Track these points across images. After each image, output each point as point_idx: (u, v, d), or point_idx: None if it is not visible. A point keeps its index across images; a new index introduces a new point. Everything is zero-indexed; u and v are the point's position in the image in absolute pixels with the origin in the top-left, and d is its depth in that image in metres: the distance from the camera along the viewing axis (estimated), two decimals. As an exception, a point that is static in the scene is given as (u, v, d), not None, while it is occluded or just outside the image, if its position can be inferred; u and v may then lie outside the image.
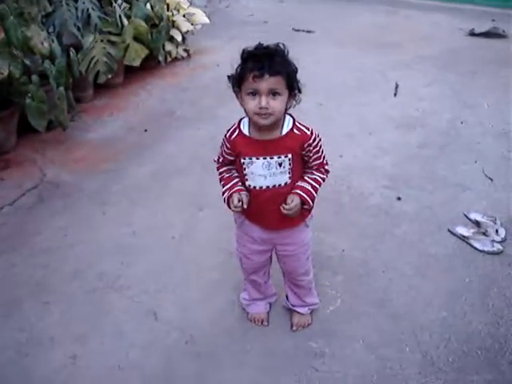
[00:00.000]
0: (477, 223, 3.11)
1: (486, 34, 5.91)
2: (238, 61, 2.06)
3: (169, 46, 5.02)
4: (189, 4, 5.25)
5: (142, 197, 3.43)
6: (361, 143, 3.94)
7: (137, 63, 4.56)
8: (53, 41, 3.80)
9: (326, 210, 3.27)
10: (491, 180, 3.52)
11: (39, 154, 3.85)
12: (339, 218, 3.20)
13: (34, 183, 3.57)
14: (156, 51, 4.76)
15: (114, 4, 4.36)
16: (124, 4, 4.60)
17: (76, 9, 4.15)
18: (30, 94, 3.52)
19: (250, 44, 2.11)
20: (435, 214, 3.23)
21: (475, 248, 2.95)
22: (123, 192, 3.47)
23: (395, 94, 4.59)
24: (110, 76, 4.38)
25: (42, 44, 3.57)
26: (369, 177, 3.56)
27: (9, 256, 2.94)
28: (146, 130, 4.14)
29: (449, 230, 3.08)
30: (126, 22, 4.39)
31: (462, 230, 3.05)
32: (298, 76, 2.01)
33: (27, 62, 3.58)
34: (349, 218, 3.20)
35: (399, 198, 3.34)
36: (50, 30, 3.96)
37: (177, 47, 5.14)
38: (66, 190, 3.51)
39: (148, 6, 4.71)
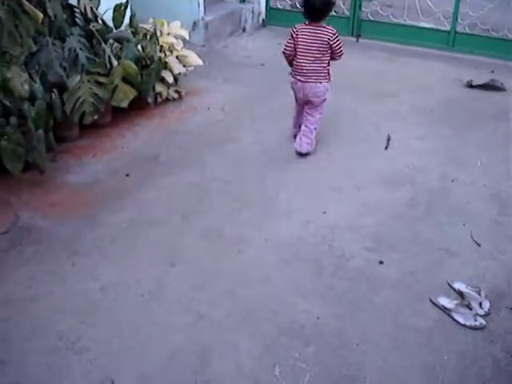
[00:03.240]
0: (460, 294, 2.97)
1: (484, 86, 5.81)
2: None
3: (159, 87, 4.93)
4: (182, 45, 5.18)
5: (114, 248, 3.30)
6: (347, 199, 3.83)
7: (125, 104, 4.46)
8: (35, 81, 3.71)
9: (304, 271, 3.15)
10: (479, 245, 3.39)
11: (15, 196, 3.73)
12: (317, 282, 3.07)
13: (6, 227, 3.44)
14: (145, 93, 4.66)
15: (103, 45, 4.28)
16: (116, 44, 4.54)
17: (63, 48, 4.07)
18: (6, 137, 3.42)
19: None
20: (418, 280, 3.10)
21: (457, 322, 2.81)
22: (95, 241, 3.34)
23: (386, 148, 4.48)
24: (95, 117, 4.28)
25: (22, 86, 3.48)
26: (352, 237, 3.43)
27: (-33, 307, 2.81)
28: (127, 175, 4.02)
29: (430, 300, 2.94)
30: (115, 62, 4.31)
31: (444, 301, 2.91)
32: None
33: (6, 102, 3.50)
34: (327, 282, 3.07)
35: (381, 262, 3.21)
36: (34, 69, 3.87)
37: (168, 88, 5.04)
38: (37, 236, 3.39)
39: (139, 47, 4.64)
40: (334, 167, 4.22)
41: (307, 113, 4.35)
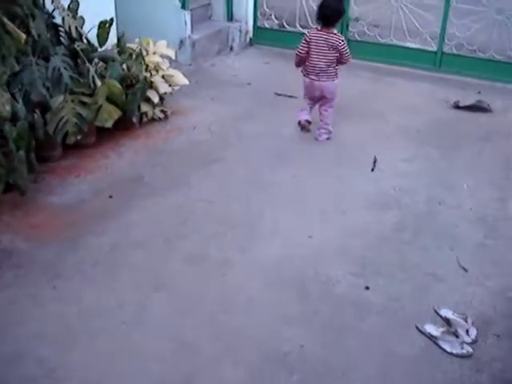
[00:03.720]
0: (447, 321, 2.94)
1: (471, 107, 5.82)
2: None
3: (145, 107, 4.88)
4: (168, 64, 5.14)
5: (96, 271, 3.24)
6: (333, 222, 3.79)
7: (109, 124, 4.40)
8: (18, 102, 3.66)
9: (290, 297, 3.10)
10: (466, 271, 3.36)
11: (-4, 218, 3.67)
12: (302, 308, 3.02)
13: (-14, 250, 3.38)
14: (130, 112, 4.61)
15: (87, 64, 4.24)
16: (101, 63, 4.50)
17: (46, 68, 4.02)
18: (-14, 158, 3.36)
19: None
20: (404, 307, 3.05)
21: (444, 350, 2.77)
22: (77, 265, 3.28)
23: (373, 169, 4.46)
24: (79, 137, 4.22)
25: (4, 106, 3.42)
26: (338, 261, 3.39)
27: None
28: (111, 196, 3.97)
29: (417, 328, 2.90)
30: (99, 82, 4.26)
31: (430, 329, 2.87)
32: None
33: (-13, 123, 3.44)
34: (312, 308, 3.02)
35: (367, 288, 3.17)
36: (17, 89, 3.82)
37: (154, 108, 5.00)
38: (18, 260, 3.32)
39: (125, 66, 4.60)
40: (320, 189, 4.19)
41: (323, 110, 4.96)
